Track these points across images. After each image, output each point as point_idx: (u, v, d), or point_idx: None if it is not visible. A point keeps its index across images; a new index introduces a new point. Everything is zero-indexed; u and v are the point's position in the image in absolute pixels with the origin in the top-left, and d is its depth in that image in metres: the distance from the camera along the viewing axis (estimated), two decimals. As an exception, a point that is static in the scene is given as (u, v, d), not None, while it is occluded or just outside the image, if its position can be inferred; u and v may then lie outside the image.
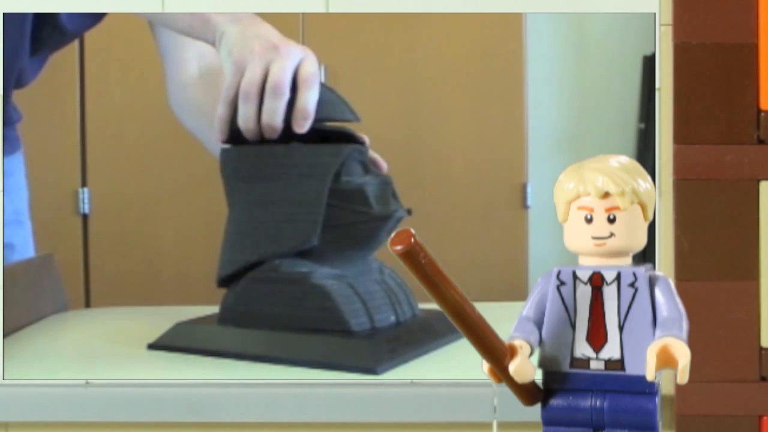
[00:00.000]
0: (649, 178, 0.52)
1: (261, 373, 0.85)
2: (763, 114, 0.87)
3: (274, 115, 0.87)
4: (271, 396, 0.96)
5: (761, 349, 0.88)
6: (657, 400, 0.52)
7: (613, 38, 2.15)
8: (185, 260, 1.91)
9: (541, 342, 0.53)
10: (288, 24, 1.94)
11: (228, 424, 0.97)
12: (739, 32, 0.87)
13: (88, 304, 1.87)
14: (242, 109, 0.88)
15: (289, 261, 0.89)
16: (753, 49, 0.87)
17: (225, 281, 0.93)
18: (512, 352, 0.51)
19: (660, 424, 0.52)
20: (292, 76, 0.88)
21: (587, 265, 0.52)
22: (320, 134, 0.91)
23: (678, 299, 0.51)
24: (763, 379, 0.88)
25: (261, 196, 0.91)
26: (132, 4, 1.02)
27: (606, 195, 0.51)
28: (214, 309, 0.93)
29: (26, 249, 1.19)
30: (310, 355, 0.84)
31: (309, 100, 0.88)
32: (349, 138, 0.93)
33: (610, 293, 0.52)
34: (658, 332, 0.50)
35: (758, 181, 0.88)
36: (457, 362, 0.86)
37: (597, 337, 0.52)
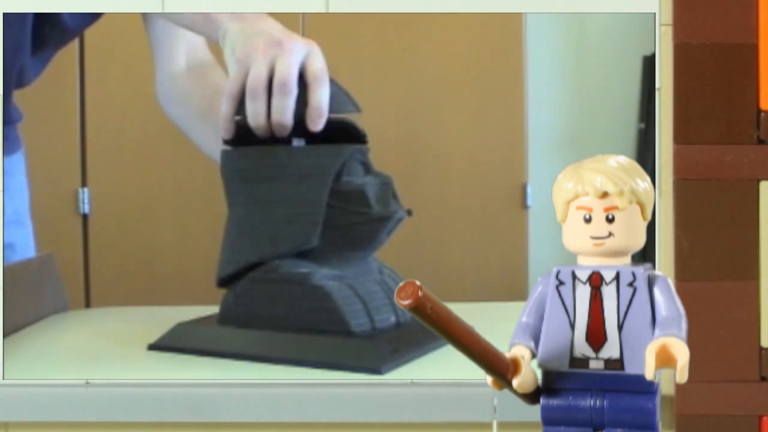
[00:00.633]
0: (647, 177, 0.52)
1: (261, 373, 0.85)
2: (763, 114, 0.87)
3: (283, 113, 0.87)
4: (271, 396, 0.96)
5: (761, 349, 0.88)
6: (657, 399, 0.52)
7: (613, 38, 2.15)
8: (185, 260, 1.91)
9: (540, 343, 0.53)
10: (288, 24, 1.94)
11: (228, 424, 0.97)
12: (739, 32, 0.87)
13: (88, 304, 1.87)
14: (250, 107, 0.88)
15: (289, 262, 0.88)
16: (753, 49, 0.87)
17: (225, 281, 0.93)
18: (515, 366, 0.52)
19: (660, 424, 0.52)
20: (299, 72, 0.87)
21: (586, 264, 0.52)
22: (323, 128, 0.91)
23: (677, 298, 0.51)
24: (763, 379, 0.88)
25: (261, 197, 0.91)
26: (132, 4, 1.02)
27: (605, 195, 0.51)
28: (214, 309, 0.93)
29: (26, 249, 1.19)
30: (312, 355, 0.84)
31: (322, 97, 0.88)
32: (351, 132, 0.93)
33: (609, 293, 0.52)
34: (657, 332, 0.50)
35: (758, 181, 0.88)
36: (457, 362, 0.85)
37: (596, 336, 0.52)
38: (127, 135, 1.92)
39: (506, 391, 0.53)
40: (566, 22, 2.21)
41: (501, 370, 0.52)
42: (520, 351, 0.53)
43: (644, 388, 0.51)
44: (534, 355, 0.53)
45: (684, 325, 0.50)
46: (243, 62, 0.88)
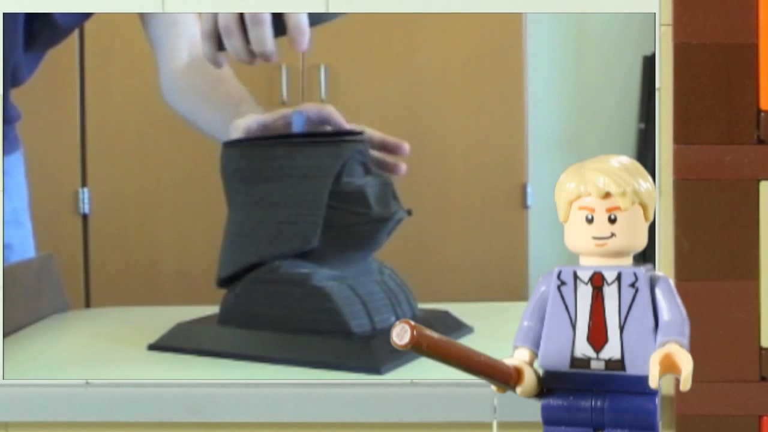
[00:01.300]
0: (649, 178, 0.52)
1: (261, 373, 0.85)
2: (763, 114, 0.87)
3: (263, 42, 0.86)
4: (271, 396, 0.96)
5: (761, 349, 0.88)
6: (657, 400, 0.52)
7: (613, 38, 2.15)
8: (185, 260, 1.91)
9: (541, 343, 0.53)
10: (288, 24, 1.94)
11: (228, 424, 0.97)
12: (739, 32, 0.87)
13: (88, 304, 1.87)
14: (228, 44, 0.88)
15: (289, 262, 0.88)
16: (753, 49, 0.87)
17: (225, 282, 0.93)
18: (518, 374, 0.52)
19: (660, 424, 0.52)
20: None
21: (588, 265, 0.52)
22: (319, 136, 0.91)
23: (679, 301, 0.51)
24: (763, 379, 0.88)
25: (261, 197, 0.91)
26: (132, 4, 1.02)
27: (607, 195, 0.51)
28: (214, 309, 0.93)
29: (25, 249, 1.19)
30: (312, 355, 0.84)
31: (297, 16, 0.87)
32: (348, 134, 0.93)
33: (610, 293, 0.52)
34: (659, 336, 0.50)
35: (758, 181, 0.88)
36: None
37: (597, 337, 0.52)
38: (127, 135, 1.92)
39: (506, 392, 0.54)
40: (566, 22, 2.21)
41: (504, 380, 0.52)
42: (522, 356, 0.53)
43: (645, 389, 0.51)
44: (536, 357, 0.53)
45: (687, 330, 0.50)
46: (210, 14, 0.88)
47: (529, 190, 2.02)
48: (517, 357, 0.53)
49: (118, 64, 1.83)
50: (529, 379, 0.52)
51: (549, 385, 0.53)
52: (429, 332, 0.50)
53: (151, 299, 1.81)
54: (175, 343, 0.92)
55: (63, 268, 1.23)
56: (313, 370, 0.84)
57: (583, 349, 0.52)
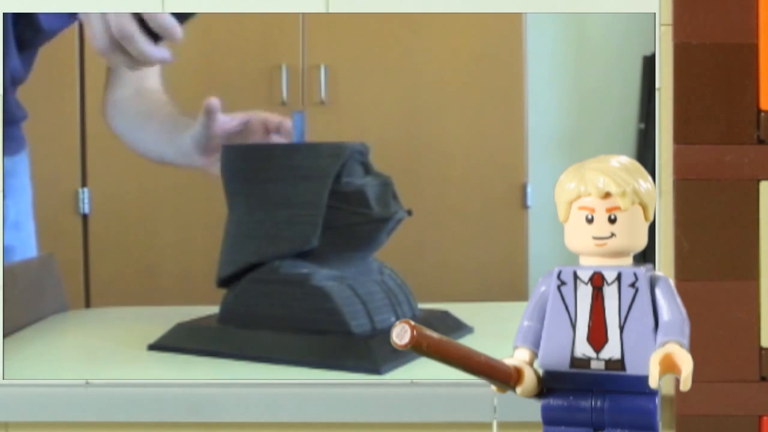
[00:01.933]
0: (649, 178, 0.52)
1: (261, 373, 0.85)
2: (763, 114, 0.87)
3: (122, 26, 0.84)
4: (271, 396, 0.96)
5: (761, 349, 0.88)
6: (657, 400, 0.52)
7: (613, 38, 2.15)
8: (185, 260, 1.91)
9: (541, 343, 0.53)
10: (288, 24, 1.95)
11: (228, 424, 0.97)
12: (739, 32, 0.87)
13: (88, 304, 1.87)
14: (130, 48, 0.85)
15: (289, 262, 0.89)
16: (753, 49, 0.87)
17: (225, 282, 0.93)
18: (518, 374, 0.52)
19: (660, 424, 0.52)
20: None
21: (588, 265, 0.52)
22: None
23: (679, 301, 0.51)
24: (763, 379, 0.88)
25: (261, 198, 0.91)
26: (132, 4, 1.02)
27: (607, 195, 0.51)
28: (214, 309, 0.93)
29: (26, 252, 1.18)
30: (312, 355, 0.84)
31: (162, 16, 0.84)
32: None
33: (610, 293, 0.52)
34: (659, 336, 0.50)
35: (758, 181, 0.88)
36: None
37: (597, 337, 0.52)
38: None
39: (506, 392, 0.54)
40: (566, 22, 2.21)
41: (504, 380, 0.52)
42: (522, 356, 0.53)
43: (645, 388, 0.51)
44: (536, 357, 0.53)
45: (687, 330, 0.50)
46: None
47: (529, 190, 2.02)
48: (517, 357, 0.53)
49: (118, 64, 1.83)
50: (529, 379, 0.52)
51: (549, 385, 0.53)
52: (429, 332, 0.50)
53: (151, 299, 1.81)
54: (175, 343, 0.92)
55: (63, 268, 1.23)
56: (313, 370, 0.84)
57: (583, 349, 0.52)
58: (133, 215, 1.95)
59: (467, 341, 0.55)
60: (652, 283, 0.52)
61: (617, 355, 0.52)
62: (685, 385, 0.48)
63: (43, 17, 1.07)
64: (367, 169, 0.92)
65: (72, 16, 1.11)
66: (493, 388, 0.53)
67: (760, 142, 0.87)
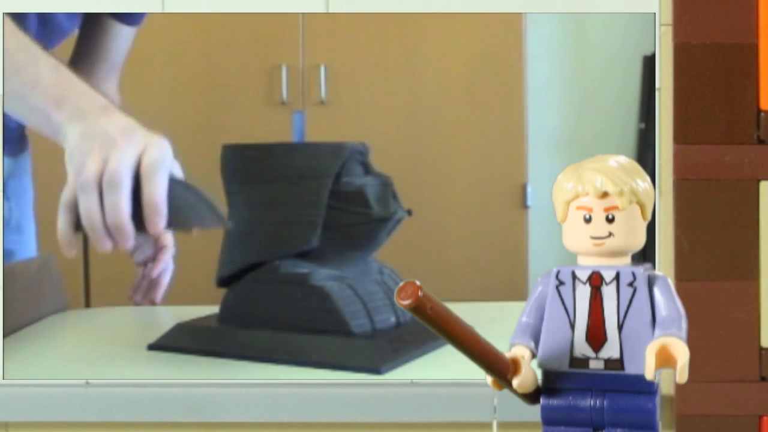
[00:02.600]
0: (647, 177, 0.52)
1: (261, 373, 0.85)
2: (763, 114, 0.87)
3: (116, 211, 0.77)
4: (271, 396, 0.96)
5: (761, 349, 0.88)
6: (657, 399, 0.52)
7: (613, 38, 2.15)
8: (185, 260, 1.91)
9: (540, 343, 0.53)
10: (288, 24, 1.95)
11: (228, 424, 0.97)
12: (739, 32, 0.87)
13: (88, 304, 1.87)
14: (81, 202, 0.79)
15: (289, 262, 0.88)
16: (753, 49, 0.87)
17: (225, 281, 0.93)
18: (515, 366, 0.52)
19: (660, 424, 0.52)
20: (135, 166, 0.78)
21: (586, 264, 0.52)
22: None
23: (677, 298, 0.51)
24: (763, 379, 0.88)
25: (261, 197, 0.91)
26: (132, 4, 1.02)
27: (605, 195, 0.51)
28: (214, 309, 0.93)
29: (28, 255, 1.18)
30: (312, 355, 0.84)
31: (153, 191, 0.77)
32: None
33: (609, 293, 0.52)
34: (657, 331, 0.50)
35: (758, 181, 0.88)
36: (457, 362, 0.86)
37: (596, 336, 0.52)
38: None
39: (506, 391, 0.53)
40: (566, 22, 2.20)
41: (501, 369, 0.52)
42: (520, 351, 0.53)
43: (644, 388, 0.51)
44: (534, 355, 0.53)
45: (684, 325, 0.50)
46: (77, 169, 0.80)
47: (529, 190, 2.02)
48: (515, 352, 0.53)
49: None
50: (526, 372, 0.52)
51: (548, 385, 0.53)
52: (435, 298, 0.49)
53: (151, 299, 1.81)
54: (175, 343, 0.92)
55: (63, 268, 1.23)
56: (313, 370, 0.84)
57: (582, 348, 0.52)
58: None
59: (467, 341, 0.55)
60: (651, 282, 0.52)
61: (616, 355, 0.52)
62: (682, 376, 0.48)
63: (60, 19, 1.07)
64: (367, 169, 0.92)
65: (74, 22, 1.11)
66: (490, 381, 0.53)
67: (760, 142, 0.87)
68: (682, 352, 0.48)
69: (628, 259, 0.52)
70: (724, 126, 0.87)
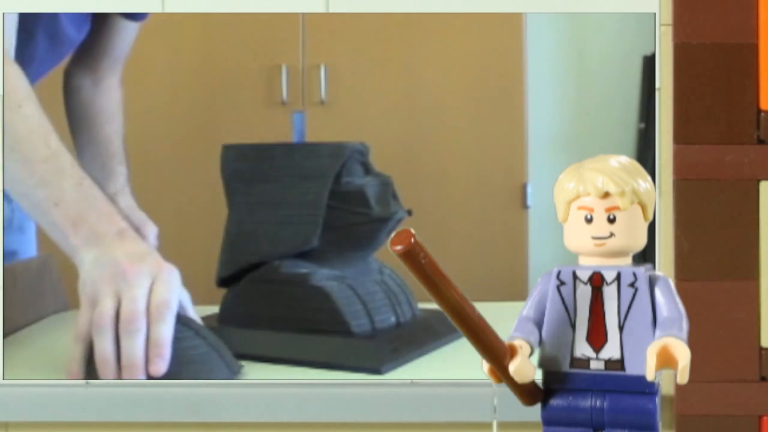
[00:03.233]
0: (649, 178, 0.52)
1: (261, 373, 0.85)
2: (763, 114, 0.87)
3: (133, 352, 0.78)
4: (271, 396, 0.96)
5: (761, 349, 0.88)
6: (657, 400, 0.52)
7: (613, 38, 2.15)
8: (185, 260, 1.91)
9: (541, 342, 0.53)
10: (288, 24, 1.95)
11: (228, 424, 0.97)
12: (739, 32, 0.87)
13: (88, 304, 1.87)
14: (97, 343, 0.79)
15: (289, 262, 0.89)
16: (753, 49, 0.87)
17: (225, 281, 0.93)
18: (512, 352, 0.52)
19: (660, 424, 0.52)
20: (147, 305, 0.79)
21: (587, 265, 0.52)
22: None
23: (678, 299, 0.51)
24: (763, 379, 0.88)
25: (261, 197, 0.91)
26: (132, 4, 1.02)
27: (606, 195, 0.51)
28: (214, 309, 0.93)
29: (29, 255, 1.18)
30: (312, 355, 0.84)
31: (161, 333, 0.78)
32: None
33: (610, 293, 0.52)
34: (658, 332, 0.50)
35: (758, 181, 0.88)
36: (457, 362, 0.86)
37: (597, 337, 0.52)
38: (126, 135, 1.91)
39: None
40: (566, 22, 2.20)
41: (495, 347, 0.51)
42: (518, 342, 0.52)
43: (645, 388, 0.51)
44: (533, 349, 0.52)
45: (685, 325, 0.50)
46: (91, 299, 0.80)
47: (529, 190, 2.02)
48: (514, 342, 0.52)
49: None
50: (523, 359, 0.51)
51: (549, 385, 0.53)
52: (429, 253, 0.48)
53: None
54: (175, 343, 0.91)
55: (63, 268, 1.23)
56: (313, 370, 0.84)
57: (583, 349, 0.52)
58: (133, 215, 1.95)
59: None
60: (652, 283, 0.52)
61: (617, 355, 0.52)
62: (683, 377, 0.48)
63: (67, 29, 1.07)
64: (367, 169, 0.92)
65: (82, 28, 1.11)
66: (486, 369, 0.52)
67: (760, 142, 0.87)
68: (683, 353, 0.48)
69: (629, 260, 0.52)
70: (724, 126, 0.87)
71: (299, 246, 0.89)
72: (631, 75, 2.15)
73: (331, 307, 0.85)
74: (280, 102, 1.95)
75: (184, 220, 1.93)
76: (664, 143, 0.94)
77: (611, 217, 0.51)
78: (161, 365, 0.78)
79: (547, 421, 0.53)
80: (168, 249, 2.08)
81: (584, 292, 0.52)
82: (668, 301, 0.51)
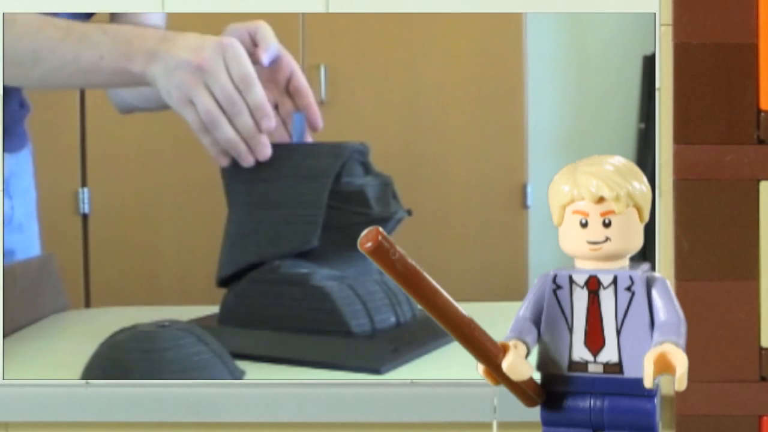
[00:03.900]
0: (644, 178, 0.51)
1: (261, 373, 0.85)
2: (763, 114, 0.87)
3: (248, 126, 0.87)
4: (271, 396, 0.96)
5: (761, 349, 0.88)
6: (656, 400, 0.52)
7: (613, 38, 2.15)
8: (185, 260, 1.91)
9: (538, 341, 0.53)
10: (288, 24, 1.95)
11: (228, 424, 0.97)
12: (739, 32, 0.87)
13: (88, 304, 1.87)
14: (220, 135, 0.87)
15: (289, 262, 0.89)
16: (753, 49, 0.87)
17: (225, 281, 0.93)
18: (505, 350, 0.51)
19: (660, 425, 0.52)
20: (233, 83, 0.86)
21: (583, 268, 0.52)
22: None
23: (676, 302, 0.51)
24: (763, 379, 0.88)
25: (261, 197, 0.91)
26: (132, 4, 1.02)
27: (601, 199, 0.50)
28: (214, 309, 0.93)
29: (29, 255, 1.18)
30: (312, 355, 0.84)
31: (256, 98, 0.86)
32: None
33: (607, 297, 0.51)
34: (656, 336, 0.50)
35: (758, 181, 0.88)
36: (457, 362, 0.86)
37: (595, 340, 0.52)
38: (127, 135, 1.92)
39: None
40: (566, 22, 2.20)
41: (486, 346, 0.50)
42: (512, 342, 0.52)
43: (643, 391, 0.51)
44: (528, 349, 0.52)
45: (683, 330, 0.50)
46: (185, 102, 0.87)
47: (529, 190, 2.02)
48: (507, 342, 0.52)
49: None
50: (516, 356, 0.50)
51: (547, 388, 0.53)
52: (401, 250, 0.46)
53: (151, 299, 1.81)
54: (175, 343, 0.91)
55: (63, 268, 1.23)
56: (313, 370, 0.84)
57: (581, 352, 0.52)
58: (133, 215, 1.95)
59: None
60: (649, 285, 0.51)
61: (615, 359, 0.51)
62: (680, 385, 0.48)
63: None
64: (367, 169, 0.92)
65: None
66: (481, 370, 0.52)
67: (760, 142, 0.87)
68: (680, 361, 0.48)
69: (625, 262, 0.52)
70: (724, 126, 0.87)
71: (299, 246, 0.89)
72: (631, 75, 2.15)
73: (331, 307, 0.85)
74: (280, 102, 1.94)
75: (184, 220, 1.93)
76: (664, 143, 0.94)
77: (606, 221, 0.51)
78: (270, 122, 0.87)
79: (547, 422, 0.53)
80: (168, 249, 2.08)
81: (581, 296, 0.52)
82: (666, 304, 0.51)
